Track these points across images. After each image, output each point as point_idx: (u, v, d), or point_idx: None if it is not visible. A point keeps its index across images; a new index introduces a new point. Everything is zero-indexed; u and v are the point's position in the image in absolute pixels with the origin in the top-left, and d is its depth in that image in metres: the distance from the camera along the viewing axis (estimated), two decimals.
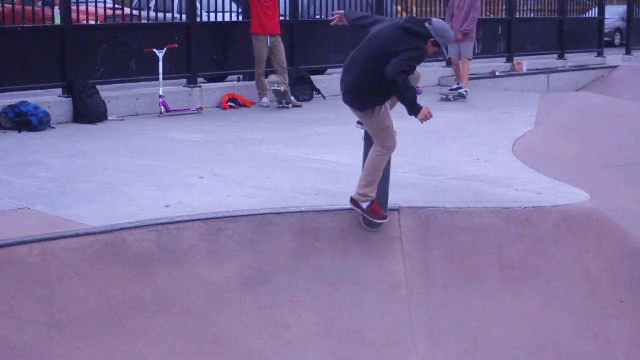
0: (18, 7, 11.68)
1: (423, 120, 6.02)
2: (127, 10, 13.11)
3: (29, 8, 11.86)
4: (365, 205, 6.40)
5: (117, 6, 13.09)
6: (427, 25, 6.12)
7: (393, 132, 6.34)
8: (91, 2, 12.19)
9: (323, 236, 6.45)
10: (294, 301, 6.04)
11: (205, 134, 10.27)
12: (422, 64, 17.74)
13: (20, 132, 10.05)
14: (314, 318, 6.03)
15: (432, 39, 6.09)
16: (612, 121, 12.30)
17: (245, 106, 12.60)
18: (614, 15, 26.70)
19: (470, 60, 13.77)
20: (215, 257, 6.06)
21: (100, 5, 12.95)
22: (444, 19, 14.06)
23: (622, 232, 7.03)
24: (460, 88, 13.68)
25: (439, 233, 6.67)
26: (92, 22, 12.38)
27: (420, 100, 6.20)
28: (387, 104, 6.30)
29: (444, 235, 6.66)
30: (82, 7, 11.79)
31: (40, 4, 12.30)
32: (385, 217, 6.48)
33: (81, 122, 10.83)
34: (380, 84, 6.01)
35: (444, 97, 13.44)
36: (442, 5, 17.12)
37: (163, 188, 7.31)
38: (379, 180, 6.41)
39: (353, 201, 6.45)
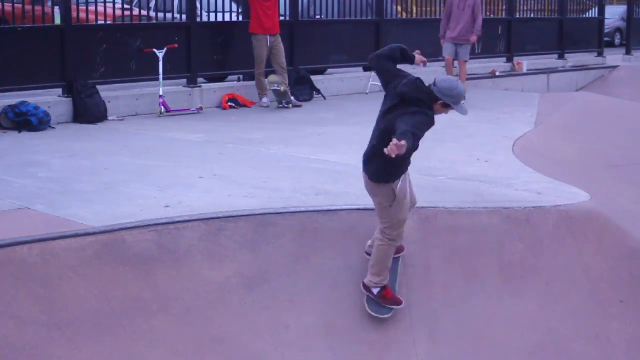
0: (22, 7, 11.69)
1: (391, 151, 5.00)
2: (136, 11, 13.11)
3: (37, 8, 11.84)
4: (376, 290, 6.04)
5: (127, 6, 13.05)
6: (432, 87, 5.54)
7: (404, 226, 5.92)
8: (93, 2, 12.20)
9: (323, 236, 6.45)
10: (294, 301, 6.04)
11: (205, 134, 10.27)
12: None
13: (20, 132, 10.05)
14: (314, 318, 6.02)
15: (439, 101, 5.52)
16: (612, 121, 12.31)
17: (245, 106, 12.60)
18: (614, 15, 26.69)
19: (467, 62, 13.73)
20: (215, 257, 6.06)
21: (110, 5, 12.96)
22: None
23: (622, 232, 7.03)
24: None
25: (439, 233, 6.67)
26: (102, 22, 12.40)
27: None
28: (406, 185, 5.81)
29: (444, 235, 6.66)
30: (91, 8, 11.83)
31: (49, 3, 12.29)
32: (399, 302, 6.11)
33: (81, 122, 10.83)
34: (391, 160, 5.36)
35: None
36: (442, 5, 17.10)
37: (163, 188, 7.31)
38: (390, 266, 6.05)
39: (364, 286, 6.08)
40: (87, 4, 12.00)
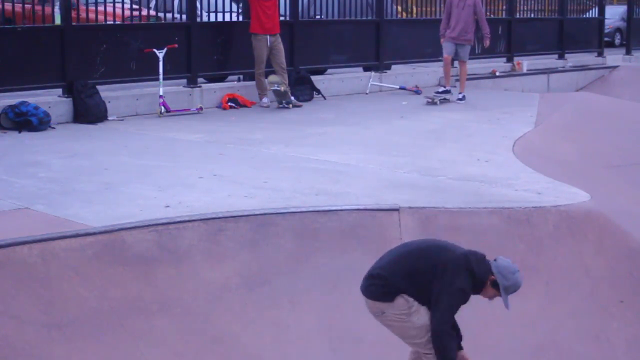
0: (23, 7, 11.70)
1: None
2: (144, 11, 13.11)
3: (37, 8, 11.84)
4: None
5: (135, 7, 13.04)
6: (490, 262, 5.00)
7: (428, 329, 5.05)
8: (93, 3, 12.20)
9: (323, 236, 6.45)
10: (294, 301, 6.04)
11: (205, 134, 10.27)
12: (422, 64, 17.61)
13: (20, 132, 10.05)
14: (314, 318, 6.02)
15: (492, 277, 4.92)
16: (612, 121, 12.31)
17: (245, 106, 12.60)
18: (614, 15, 26.68)
19: (466, 63, 13.71)
20: (215, 257, 6.06)
21: (119, 5, 12.96)
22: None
23: (622, 232, 7.03)
24: (446, 92, 13.56)
25: (439, 233, 6.66)
26: (103, 22, 12.41)
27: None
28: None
29: (444, 235, 6.64)
30: (99, 8, 11.84)
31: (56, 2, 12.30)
32: None
33: (81, 122, 10.83)
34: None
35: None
36: (442, 4, 17.10)
37: (163, 188, 7.31)
38: None
39: None
40: (87, 4, 12.00)
